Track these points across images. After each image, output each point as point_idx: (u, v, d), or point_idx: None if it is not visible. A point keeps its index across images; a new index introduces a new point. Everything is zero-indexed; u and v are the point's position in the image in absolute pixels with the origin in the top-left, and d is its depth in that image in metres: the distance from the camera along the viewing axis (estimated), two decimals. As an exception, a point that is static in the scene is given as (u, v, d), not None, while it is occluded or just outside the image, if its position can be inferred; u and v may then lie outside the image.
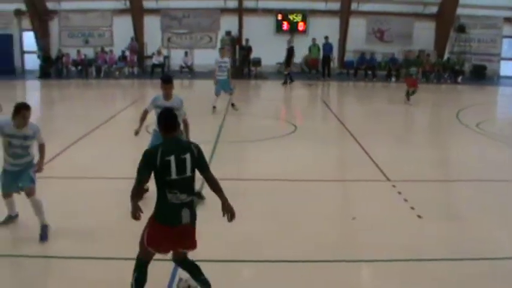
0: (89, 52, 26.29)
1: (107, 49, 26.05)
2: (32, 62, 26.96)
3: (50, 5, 26.67)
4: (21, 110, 6.07)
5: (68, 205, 7.55)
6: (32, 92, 23.91)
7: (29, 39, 27.17)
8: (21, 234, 6.64)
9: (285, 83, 22.79)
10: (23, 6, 25.91)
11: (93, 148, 11.20)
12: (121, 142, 11.18)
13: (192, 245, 4.76)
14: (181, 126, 7.07)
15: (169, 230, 4.59)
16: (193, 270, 4.89)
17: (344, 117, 16.04)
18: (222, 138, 12.10)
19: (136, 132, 7.80)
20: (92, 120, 14.05)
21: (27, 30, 26.90)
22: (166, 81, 7.72)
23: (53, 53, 26.47)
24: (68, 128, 13.55)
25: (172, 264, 5.21)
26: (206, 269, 4.94)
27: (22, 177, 6.31)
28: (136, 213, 4.55)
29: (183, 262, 4.91)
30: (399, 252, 6.18)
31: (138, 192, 4.59)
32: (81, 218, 7.05)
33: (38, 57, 26.00)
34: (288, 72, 23.02)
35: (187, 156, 4.59)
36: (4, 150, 6.32)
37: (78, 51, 25.96)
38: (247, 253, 6.20)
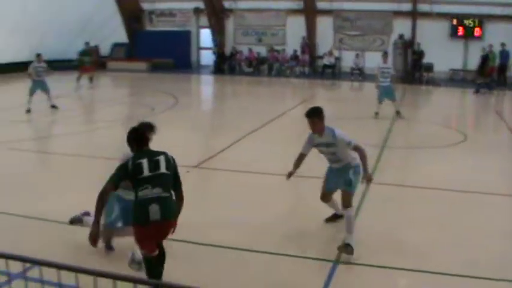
0: (261, 50, 28.98)
1: (279, 48, 28.49)
2: (207, 57, 30.62)
3: (227, 4, 29.76)
4: None
5: (230, 197, 8.44)
6: (206, 86, 27.31)
7: (205, 36, 30.88)
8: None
9: (477, 91, 22.49)
10: (201, 5, 29.49)
11: (259, 143, 12.44)
12: (287, 139, 11.93)
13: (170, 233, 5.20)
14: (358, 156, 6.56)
15: (150, 227, 4.94)
16: (161, 258, 5.26)
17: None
18: (390, 143, 12.70)
19: (290, 175, 6.98)
20: (261, 116, 15.55)
21: (204, 27, 30.62)
22: (309, 115, 6.52)
23: (227, 50, 29.62)
24: (238, 122, 15.40)
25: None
26: (360, 273, 5.98)
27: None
28: (94, 237, 5.00)
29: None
30: None
31: (102, 199, 4.95)
32: (242, 211, 7.73)
33: (213, 53, 29.55)
34: (481, 81, 22.72)
35: (161, 157, 5.09)
36: None
37: (250, 49, 28.99)
38: (414, 262, 6.20)
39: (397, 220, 7.67)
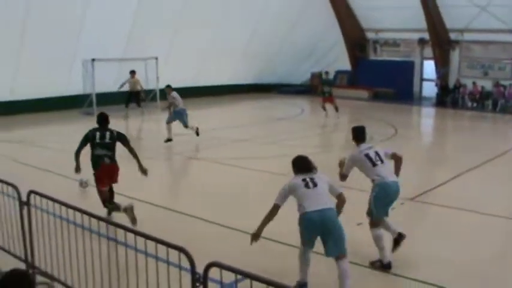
0: (486, 84, 28.87)
1: (505, 83, 28.09)
2: (430, 89, 31.38)
3: (453, 36, 30.32)
4: None
5: (442, 234, 8.89)
6: (427, 118, 28.03)
7: (428, 67, 31.72)
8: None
9: None
10: (426, 36, 30.50)
11: (479, 181, 12.69)
12: (509, 179, 12.42)
13: (116, 179, 9.52)
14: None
15: (100, 169, 9.24)
16: (111, 194, 9.54)
17: None
18: None
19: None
20: (482, 153, 15.81)
21: (428, 58, 31.47)
22: None
23: (451, 83, 30.22)
24: (458, 157, 16.04)
25: None
26: None
27: None
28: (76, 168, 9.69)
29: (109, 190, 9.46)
30: None
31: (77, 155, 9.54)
32: (453, 249, 8.13)
33: (436, 85, 30.25)
34: None
35: (107, 133, 9.42)
36: None
37: (474, 83, 29.03)
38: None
39: None
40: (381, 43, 33.33)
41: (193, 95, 23.80)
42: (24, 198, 6.75)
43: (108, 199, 9.41)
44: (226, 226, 9.31)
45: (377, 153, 7.78)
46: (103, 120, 9.67)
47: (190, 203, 10.77)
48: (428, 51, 31.26)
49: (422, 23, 29.31)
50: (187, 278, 4.64)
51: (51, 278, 6.68)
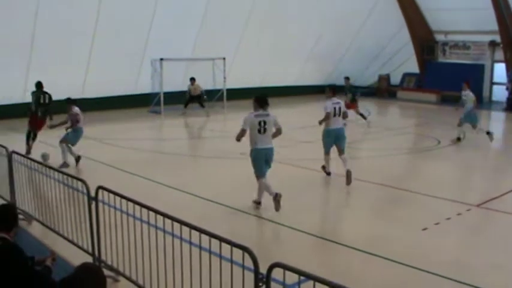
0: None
1: None
2: (500, 93, 30.43)
3: (525, 38, 29.50)
4: None
5: (508, 241, 8.81)
6: (496, 122, 27.07)
7: (499, 71, 30.77)
8: None
9: None
10: (498, 38, 29.59)
11: None
12: None
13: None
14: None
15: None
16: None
17: None
18: None
19: None
20: None
21: (499, 61, 30.51)
22: None
23: (519, 87, 29.22)
24: None
25: None
26: None
27: None
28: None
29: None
30: None
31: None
32: None
33: (507, 89, 29.25)
34: None
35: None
36: None
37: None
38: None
39: None
40: (450, 45, 32.51)
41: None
42: (92, 194, 6.88)
43: None
44: (290, 227, 9.26)
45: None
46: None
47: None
48: (499, 53, 30.33)
49: (494, 25, 28.45)
50: (250, 278, 4.61)
51: (117, 272, 6.79)
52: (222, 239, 5.07)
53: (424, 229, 9.09)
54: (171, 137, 20.46)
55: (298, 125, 19.53)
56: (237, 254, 4.84)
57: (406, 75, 33.58)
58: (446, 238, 8.85)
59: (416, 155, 16.91)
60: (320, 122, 12.40)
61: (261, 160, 10.08)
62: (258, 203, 10.33)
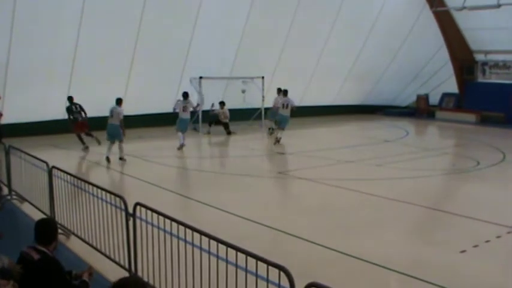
0: None
1: None
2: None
3: None
4: None
5: None
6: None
7: (541, 91, 30.01)
8: None
9: None
10: (540, 58, 29.03)
11: None
12: None
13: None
14: None
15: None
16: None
17: None
18: None
19: None
20: None
21: (541, 81, 29.88)
22: None
23: None
24: None
25: None
26: None
27: None
28: None
29: None
30: None
31: None
32: None
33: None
34: None
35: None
36: None
37: None
38: None
39: None
40: (490, 65, 31.94)
41: (299, 114, 23.80)
42: (130, 210, 6.90)
43: None
44: (327, 247, 9.12)
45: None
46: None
47: (293, 222, 10.65)
48: (540, 73, 29.70)
49: (535, 44, 27.89)
50: (286, 298, 4.53)
51: (153, 288, 6.77)
52: (258, 258, 5.01)
53: (463, 251, 8.86)
54: (209, 155, 20.59)
55: (338, 145, 19.40)
56: (273, 273, 4.77)
57: (445, 95, 33.12)
58: (485, 261, 8.59)
59: (455, 175, 16.56)
60: None
61: None
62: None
